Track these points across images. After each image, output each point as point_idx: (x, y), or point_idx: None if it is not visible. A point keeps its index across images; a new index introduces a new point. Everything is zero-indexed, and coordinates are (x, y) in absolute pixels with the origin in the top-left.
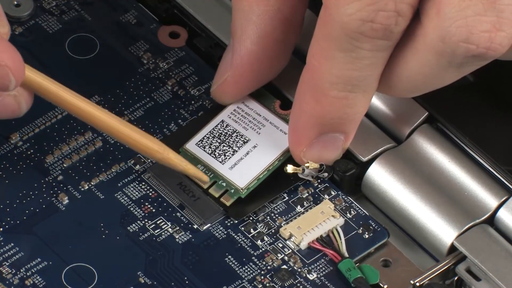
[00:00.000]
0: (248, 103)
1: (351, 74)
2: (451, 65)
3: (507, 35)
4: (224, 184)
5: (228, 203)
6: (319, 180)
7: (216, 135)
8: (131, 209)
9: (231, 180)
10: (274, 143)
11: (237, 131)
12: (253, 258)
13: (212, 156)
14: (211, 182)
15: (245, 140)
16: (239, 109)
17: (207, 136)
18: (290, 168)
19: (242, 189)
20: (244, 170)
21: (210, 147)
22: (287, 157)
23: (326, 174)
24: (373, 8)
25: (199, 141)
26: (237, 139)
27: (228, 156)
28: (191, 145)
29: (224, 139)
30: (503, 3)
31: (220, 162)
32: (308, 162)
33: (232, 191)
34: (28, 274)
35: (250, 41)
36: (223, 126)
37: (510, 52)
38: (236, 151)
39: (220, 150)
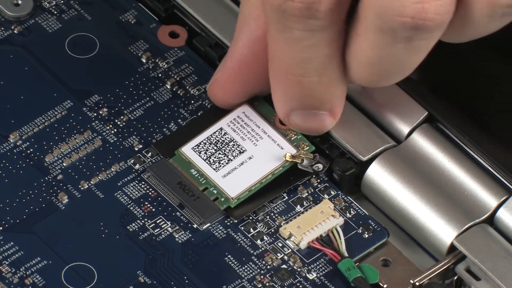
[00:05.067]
0: (249, 114)
1: (294, 56)
2: (397, 41)
3: (442, 3)
4: (215, 191)
5: None
6: (318, 180)
7: (213, 142)
8: (131, 208)
9: (223, 188)
10: (270, 157)
11: (234, 140)
12: (253, 257)
13: (207, 162)
14: (202, 188)
15: (241, 150)
16: (239, 118)
17: (204, 141)
18: (288, 156)
19: (232, 199)
20: (236, 180)
21: (205, 153)
22: (282, 172)
23: (321, 166)
24: None
25: (195, 146)
26: (233, 148)
27: (222, 164)
28: (187, 149)
29: (221, 146)
30: None
31: (213, 169)
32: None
33: (223, 199)
34: (27, 273)
35: (242, 44)
36: (221, 133)
37: (460, 31)
38: (231, 160)
39: (215, 157)
